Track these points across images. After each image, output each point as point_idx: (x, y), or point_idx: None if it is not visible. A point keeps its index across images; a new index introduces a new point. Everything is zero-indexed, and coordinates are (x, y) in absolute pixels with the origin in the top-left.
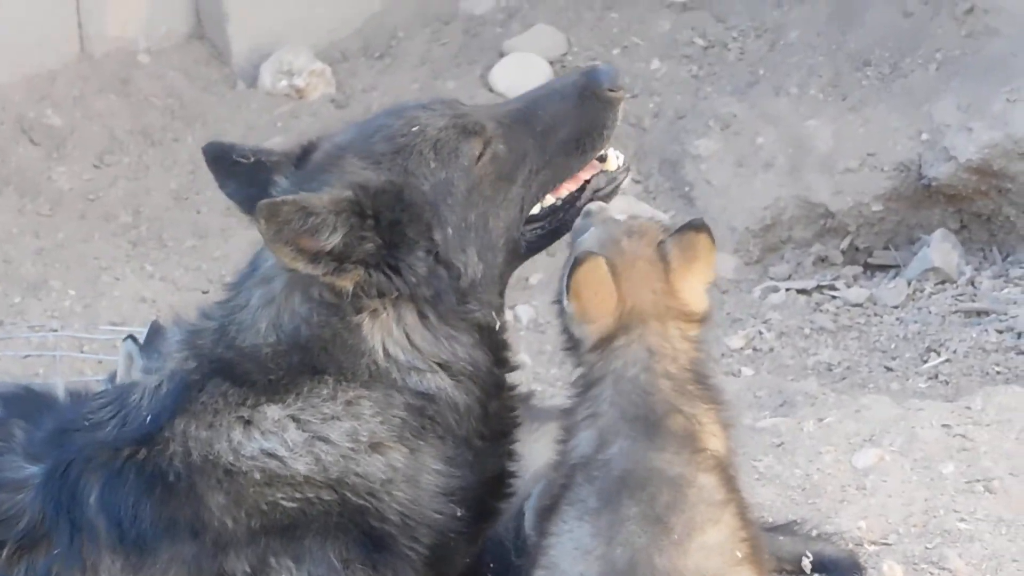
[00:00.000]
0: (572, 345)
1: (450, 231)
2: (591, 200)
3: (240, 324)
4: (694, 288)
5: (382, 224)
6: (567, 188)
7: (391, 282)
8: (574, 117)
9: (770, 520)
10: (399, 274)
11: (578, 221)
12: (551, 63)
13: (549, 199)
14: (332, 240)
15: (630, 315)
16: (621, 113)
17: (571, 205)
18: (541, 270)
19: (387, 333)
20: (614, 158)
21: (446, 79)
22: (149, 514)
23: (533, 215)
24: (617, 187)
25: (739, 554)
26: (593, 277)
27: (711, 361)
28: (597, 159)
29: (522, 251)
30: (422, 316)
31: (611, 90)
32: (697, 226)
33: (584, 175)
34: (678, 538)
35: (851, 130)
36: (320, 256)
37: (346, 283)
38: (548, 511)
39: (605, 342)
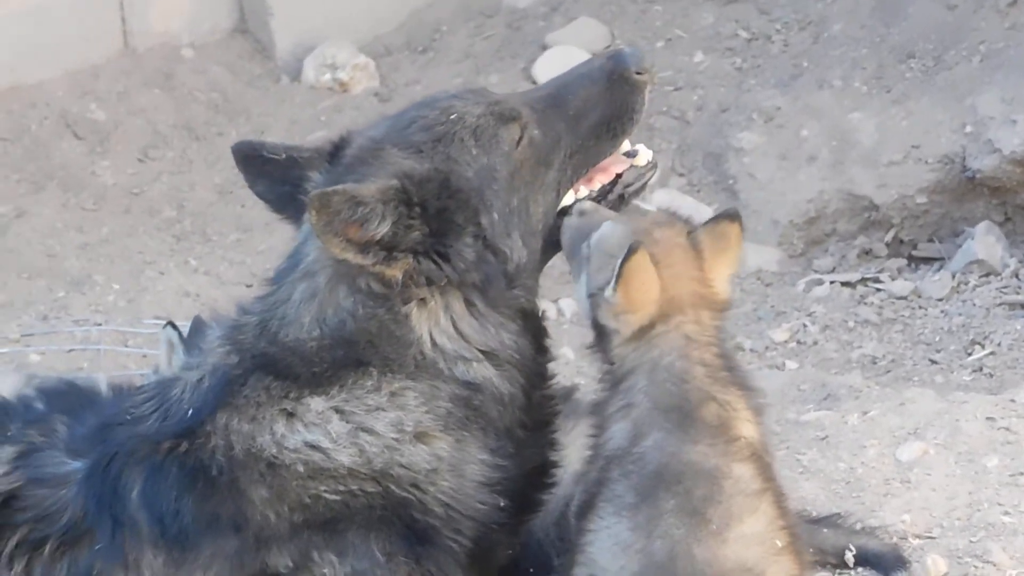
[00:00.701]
0: (602, 339)
1: (496, 216)
2: (623, 194)
3: (283, 319)
4: (722, 277)
5: (429, 212)
6: (600, 180)
7: (440, 269)
8: (604, 101)
9: (814, 513)
10: (448, 261)
11: (574, 220)
12: (594, 56)
13: (583, 190)
14: (381, 229)
15: (670, 304)
16: (648, 96)
17: (603, 197)
18: None
19: (435, 322)
20: (645, 154)
21: (489, 73)
22: (191, 509)
23: (565, 206)
24: (646, 183)
25: (779, 543)
26: (643, 267)
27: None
28: (627, 155)
29: (557, 239)
30: (469, 304)
31: (638, 72)
32: (731, 215)
33: (616, 169)
34: (716, 529)
35: (895, 123)
36: (369, 246)
37: (396, 272)
38: (585, 508)
39: (643, 332)
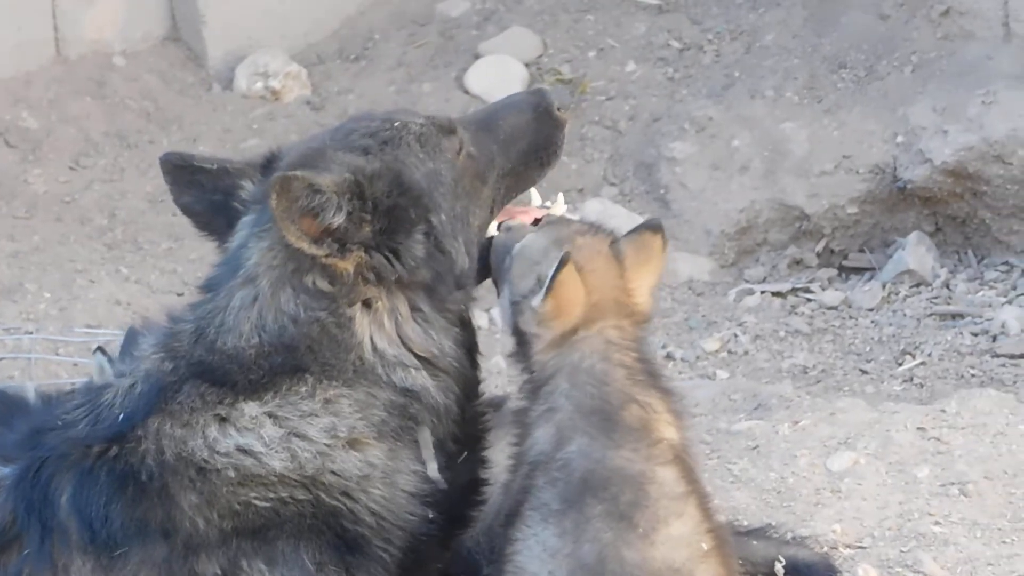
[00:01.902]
0: (523, 345)
1: (443, 217)
2: None
3: (220, 326)
4: (645, 287)
5: (380, 209)
6: (521, 218)
7: (391, 265)
8: (530, 130)
9: (745, 524)
10: (399, 258)
11: (500, 235)
12: (527, 65)
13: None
14: (336, 220)
15: (593, 310)
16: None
17: None
18: None
19: (378, 326)
20: (561, 204)
21: (422, 81)
22: (120, 515)
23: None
24: None
25: (704, 546)
26: (571, 276)
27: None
28: (543, 206)
29: (486, 260)
30: (414, 308)
31: (559, 109)
32: (654, 227)
33: (535, 215)
34: (644, 532)
35: (826, 133)
36: (323, 237)
37: (348, 265)
38: (511, 517)
39: (565, 338)
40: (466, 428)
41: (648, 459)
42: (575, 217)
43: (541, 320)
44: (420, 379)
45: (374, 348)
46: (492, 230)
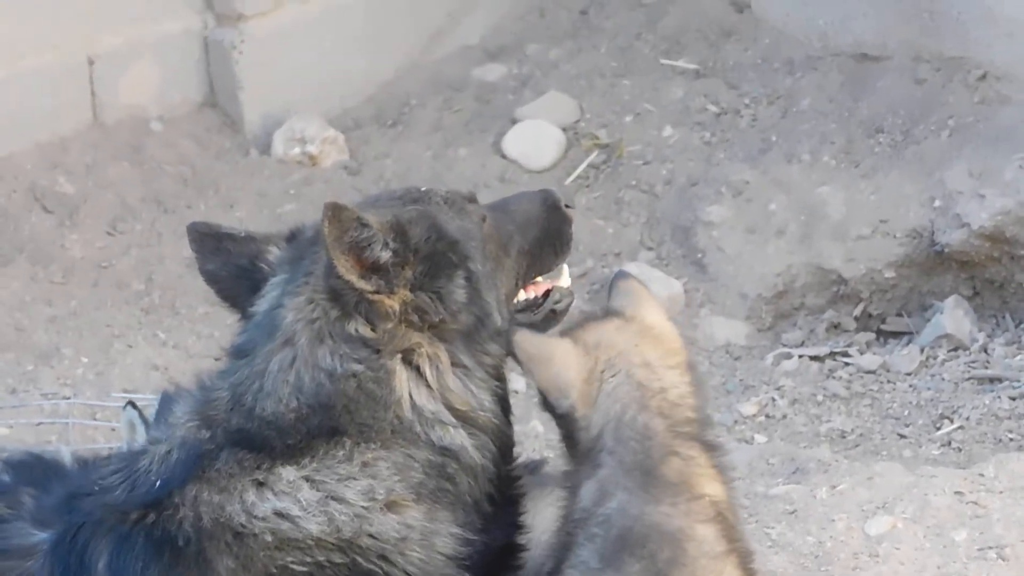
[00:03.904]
0: (571, 431)
1: (480, 268)
2: (554, 310)
3: (258, 391)
4: (659, 316)
5: (420, 252)
6: (533, 291)
7: (435, 306)
8: (543, 220)
9: None
10: (441, 300)
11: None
12: (563, 130)
13: (521, 294)
14: (383, 256)
15: (599, 349)
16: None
17: (538, 306)
18: None
19: (417, 379)
20: (566, 277)
21: (458, 146)
22: None
23: (519, 302)
24: (567, 307)
25: None
26: (529, 342)
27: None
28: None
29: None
30: (454, 358)
31: (567, 206)
32: (622, 275)
33: (545, 286)
34: None
35: (863, 197)
36: (370, 273)
37: (394, 303)
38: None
39: (590, 387)
40: (502, 489)
41: (687, 515)
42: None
43: (552, 400)
44: (458, 438)
45: (413, 405)
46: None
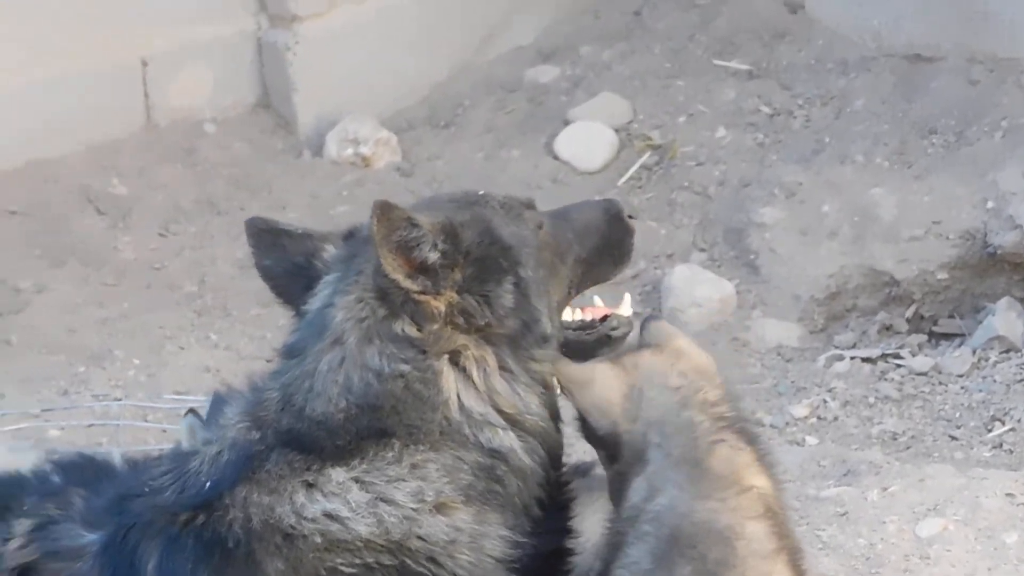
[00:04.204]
0: (613, 450)
1: (531, 274)
2: (608, 335)
3: (308, 392)
4: (691, 344)
5: (471, 255)
6: (591, 313)
7: (481, 310)
8: (603, 229)
9: None
10: (488, 304)
11: None
12: (616, 131)
13: (578, 313)
14: (432, 257)
15: (637, 369)
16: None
17: (592, 327)
18: None
19: (465, 380)
20: (627, 306)
21: (511, 147)
22: None
23: (567, 321)
24: (624, 335)
25: None
26: (570, 367)
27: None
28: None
29: (560, 342)
30: (501, 361)
31: (631, 216)
32: (648, 319)
33: (604, 311)
34: None
35: (916, 198)
36: (417, 273)
37: (440, 304)
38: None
39: (631, 403)
40: (551, 493)
41: (736, 511)
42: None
43: (595, 424)
44: (508, 440)
45: (461, 406)
46: (568, 315)
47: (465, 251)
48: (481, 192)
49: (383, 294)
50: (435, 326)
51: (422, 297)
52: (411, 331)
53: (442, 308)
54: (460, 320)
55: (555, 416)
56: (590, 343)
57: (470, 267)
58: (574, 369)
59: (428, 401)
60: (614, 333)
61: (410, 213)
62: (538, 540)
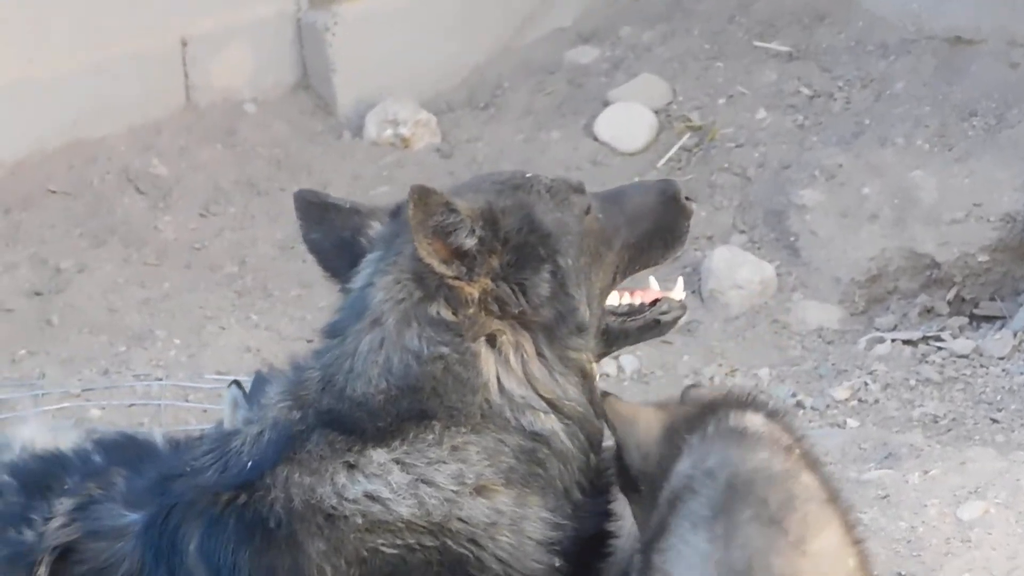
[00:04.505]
0: (649, 486)
1: (570, 262)
2: (658, 319)
3: (349, 372)
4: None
5: (510, 242)
6: (640, 297)
7: (516, 298)
8: (657, 212)
9: (875, 574)
10: (524, 293)
11: None
12: (656, 112)
13: (626, 298)
14: (468, 243)
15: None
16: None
17: (640, 313)
18: None
19: (504, 362)
20: (679, 291)
21: (550, 129)
22: (248, 562)
23: (612, 306)
24: (675, 320)
25: (851, 561)
26: (618, 404)
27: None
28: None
29: (603, 326)
30: (538, 348)
31: (687, 199)
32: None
33: (655, 295)
34: (794, 540)
35: (957, 181)
36: (453, 258)
37: (473, 290)
38: (657, 532)
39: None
40: (592, 478)
41: (787, 460)
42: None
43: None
44: (549, 423)
45: (501, 389)
46: (614, 299)
47: (504, 238)
48: (528, 175)
49: (419, 276)
50: (470, 311)
51: (456, 283)
52: (447, 314)
53: (476, 294)
54: (495, 307)
55: (594, 403)
56: (634, 330)
57: (508, 254)
58: (622, 407)
59: (468, 383)
60: (663, 317)
61: (448, 198)
62: (579, 523)
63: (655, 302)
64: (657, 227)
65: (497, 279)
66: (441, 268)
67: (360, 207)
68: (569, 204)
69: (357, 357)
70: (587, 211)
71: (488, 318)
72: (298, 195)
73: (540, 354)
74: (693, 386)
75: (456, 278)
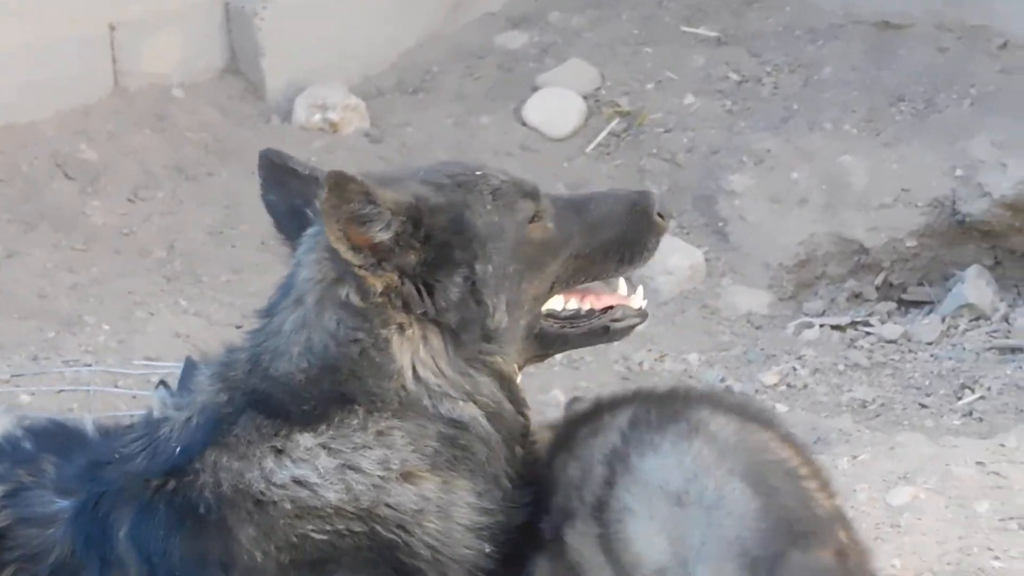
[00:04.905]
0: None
1: (491, 269)
2: (607, 326)
3: (273, 351)
4: None
5: (431, 241)
6: (591, 303)
7: (420, 299)
8: (622, 224)
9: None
10: (432, 294)
11: None
12: (584, 98)
13: (573, 303)
14: (381, 236)
15: None
16: (661, 243)
17: (588, 320)
18: None
19: (415, 352)
20: (639, 298)
21: (480, 114)
22: (178, 548)
23: (554, 310)
24: (630, 328)
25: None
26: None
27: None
28: (622, 293)
29: (536, 331)
30: (445, 346)
31: (660, 215)
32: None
33: (609, 301)
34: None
35: (885, 166)
36: (364, 248)
37: (377, 283)
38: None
39: None
40: (518, 468)
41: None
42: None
43: None
44: (468, 410)
45: (416, 377)
46: (559, 303)
47: (425, 236)
48: (480, 172)
49: (336, 259)
50: (377, 300)
51: (361, 272)
52: (356, 300)
53: (379, 287)
54: (399, 302)
55: (515, 400)
56: (576, 336)
57: (427, 252)
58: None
59: (383, 369)
60: (615, 325)
61: (370, 188)
62: (508, 512)
63: (607, 309)
64: (618, 240)
65: (405, 276)
66: (348, 255)
67: (319, 176)
68: (512, 209)
69: (281, 336)
70: (533, 218)
71: (394, 311)
72: (263, 154)
73: (448, 352)
74: (576, 399)
75: (361, 267)
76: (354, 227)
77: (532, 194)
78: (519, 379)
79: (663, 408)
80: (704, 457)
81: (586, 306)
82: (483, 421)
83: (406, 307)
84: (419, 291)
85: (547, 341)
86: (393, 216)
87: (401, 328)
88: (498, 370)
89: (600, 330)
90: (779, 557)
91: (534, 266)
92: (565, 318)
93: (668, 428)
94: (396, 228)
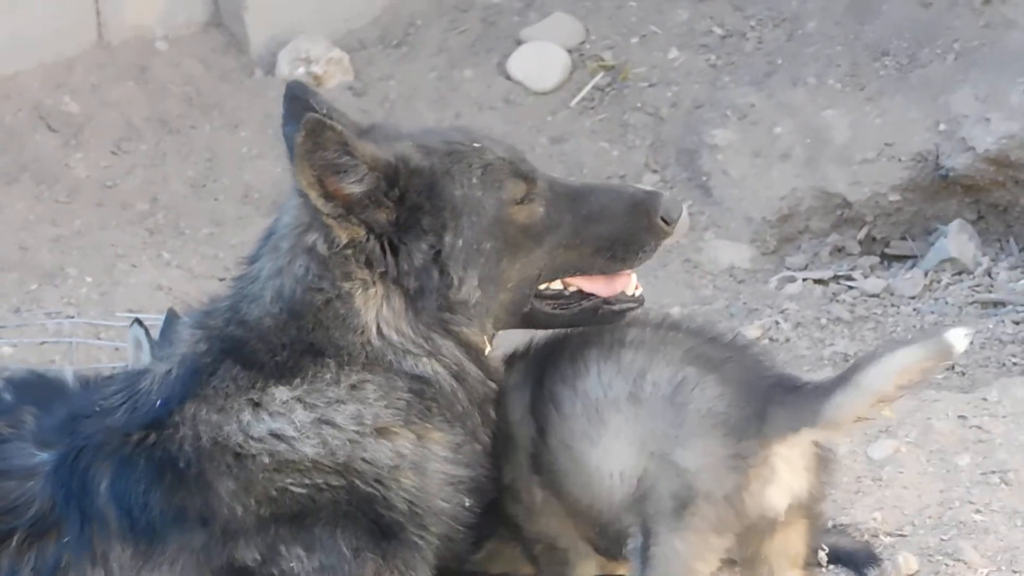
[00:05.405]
0: None
1: (460, 243)
2: (599, 308)
3: (251, 296)
4: None
5: (404, 203)
6: (584, 285)
7: (383, 258)
8: (619, 221)
9: None
10: (395, 255)
11: None
12: (568, 52)
13: (557, 284)
14: (353, 188)
15: None
16: (661, 248)
17: (578, 303)
18: None
19: (379, 310)
20: (633, 285)
21: (463, 67)
22: (159, 502)
23: (543, 291)
24: (623, 312)
25: None
26: None
27: None
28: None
29: (526, 309)
30: (406, 309)
31: (664, 220)
32: None
33: (602, 285)
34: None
35: (868, 120)
36: (334, 197)
37: (342, 234)
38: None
39: None
40: (489, 429)
41: None
42: None
43: None
44: (432, 365)
45: (380, 333)
46: (557, 285)
47: (399, 196)
48: (479, 145)
49: (307, 204)
50: (343, 251)
51: (328, 220)
52: (321, 248)
53: (343, 239)
54: (362, 258)
55: (484, 370)
56: (567, 316)
57: (400, 212)
58: None
59: (348, 323)
60: (607, 308)
61: (348, 138)
62: (486, 464)
63: (608, 303)
64: (611, 237)
65: (372, 233)
66: (318, 202)
67: (336, 117)
68: (499, 187)
69: (258, 282)
70: (523, 200)
71: (356, 266)
72: (289, 86)
73: (408, 314)
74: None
75: (329, 216)
76: (328, 175)
77: (527, 176)
78: (489, 350)
79: (567, 345)
80: (638, 361)
81: (570, 289)
82: (447, 377)
83: (369, 264)
84: (384, 250)
85: (538, 320)
86: (369, 171)
87: (365, 284)
88: (464, 340)
89: (590, 311)
90: (762, 410)
91: (515, 247)
92: (555, 298)
93: (587, 354)
94: (370, 183)
